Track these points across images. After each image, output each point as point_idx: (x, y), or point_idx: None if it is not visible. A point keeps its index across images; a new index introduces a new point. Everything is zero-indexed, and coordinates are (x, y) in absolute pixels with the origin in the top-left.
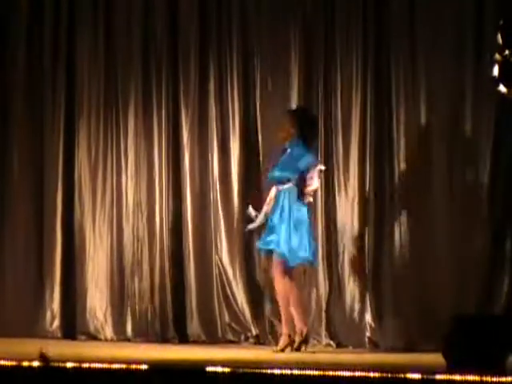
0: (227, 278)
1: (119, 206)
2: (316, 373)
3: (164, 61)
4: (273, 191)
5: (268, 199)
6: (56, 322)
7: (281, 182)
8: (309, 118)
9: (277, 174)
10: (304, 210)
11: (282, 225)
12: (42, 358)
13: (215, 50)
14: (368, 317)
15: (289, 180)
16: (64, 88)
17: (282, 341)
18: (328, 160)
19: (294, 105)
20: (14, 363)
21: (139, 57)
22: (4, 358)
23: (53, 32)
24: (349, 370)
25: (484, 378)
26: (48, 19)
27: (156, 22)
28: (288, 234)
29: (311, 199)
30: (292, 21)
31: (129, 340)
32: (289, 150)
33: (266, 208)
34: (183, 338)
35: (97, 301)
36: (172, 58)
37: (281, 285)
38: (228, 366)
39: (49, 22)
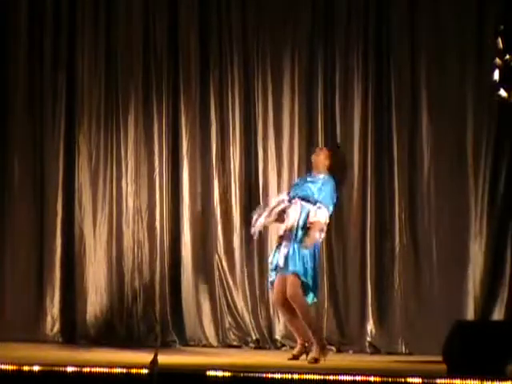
0: (227, 283)
1: (119, 212)
2: (317, 377)
3: (164, 68)
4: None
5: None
6: (56, 327)
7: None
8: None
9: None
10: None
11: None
12: (153, 362)
13: (216, 58)
14: (368, 322)
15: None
16: (64, 96)
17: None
18: None
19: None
20: (14, 367)
21: (140, 63)
22: (5, 363)
23: (53, 37)
24: (349, 374)
25: (484, 383)
26: (48, 23)
27: (157, 32)
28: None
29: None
30: (293, 31)
31: (129, 344)
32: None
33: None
34: (183, 343)
35: (97, 305)
36: (172, 66)
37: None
38: (229, 371)
39: (49, 27)
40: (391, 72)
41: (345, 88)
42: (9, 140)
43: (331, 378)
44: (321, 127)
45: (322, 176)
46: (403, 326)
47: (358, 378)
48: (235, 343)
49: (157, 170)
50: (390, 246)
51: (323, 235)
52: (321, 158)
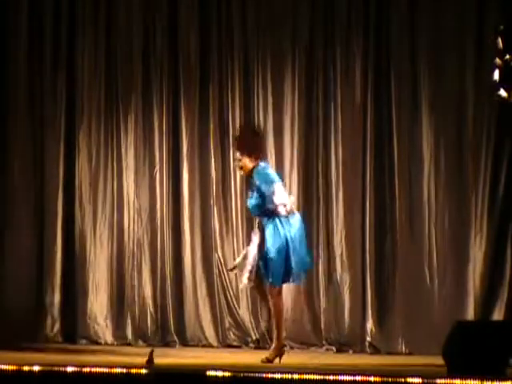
0: (227, 283)
1: (119, 212)
2: (317, 377)
3: (164, 68)
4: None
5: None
6: (57, 327)
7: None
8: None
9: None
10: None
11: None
12: (149, 361)
13: (216, 58)
14: (368, 322)
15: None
16: (64, 96)
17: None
18: (328, 170)
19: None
20: (14, 367)
21: (140, 63)
22: (5, 363)
23: (53, 37)
24: (349, 374)
25: (484, 383)
26: (48, 23)
27: (157, 32)
28: None
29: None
30: (293, 31)
31: (129, 344)
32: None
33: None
34: (183, 342)
35: (97, 305)
36: (172, 66)
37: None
38: (229, 371)
39: (49, 27)
40: (391, 72)
41: (345, 88)
42: (9, 140)
43: (331, 378)
44: (321, 128)
45: (255, 176)
46: (403, 325)
47: (357, 377)
48: (235, 343)
49: (157, 170)
50: (390, 246)
51: None
52: (244, 163)
